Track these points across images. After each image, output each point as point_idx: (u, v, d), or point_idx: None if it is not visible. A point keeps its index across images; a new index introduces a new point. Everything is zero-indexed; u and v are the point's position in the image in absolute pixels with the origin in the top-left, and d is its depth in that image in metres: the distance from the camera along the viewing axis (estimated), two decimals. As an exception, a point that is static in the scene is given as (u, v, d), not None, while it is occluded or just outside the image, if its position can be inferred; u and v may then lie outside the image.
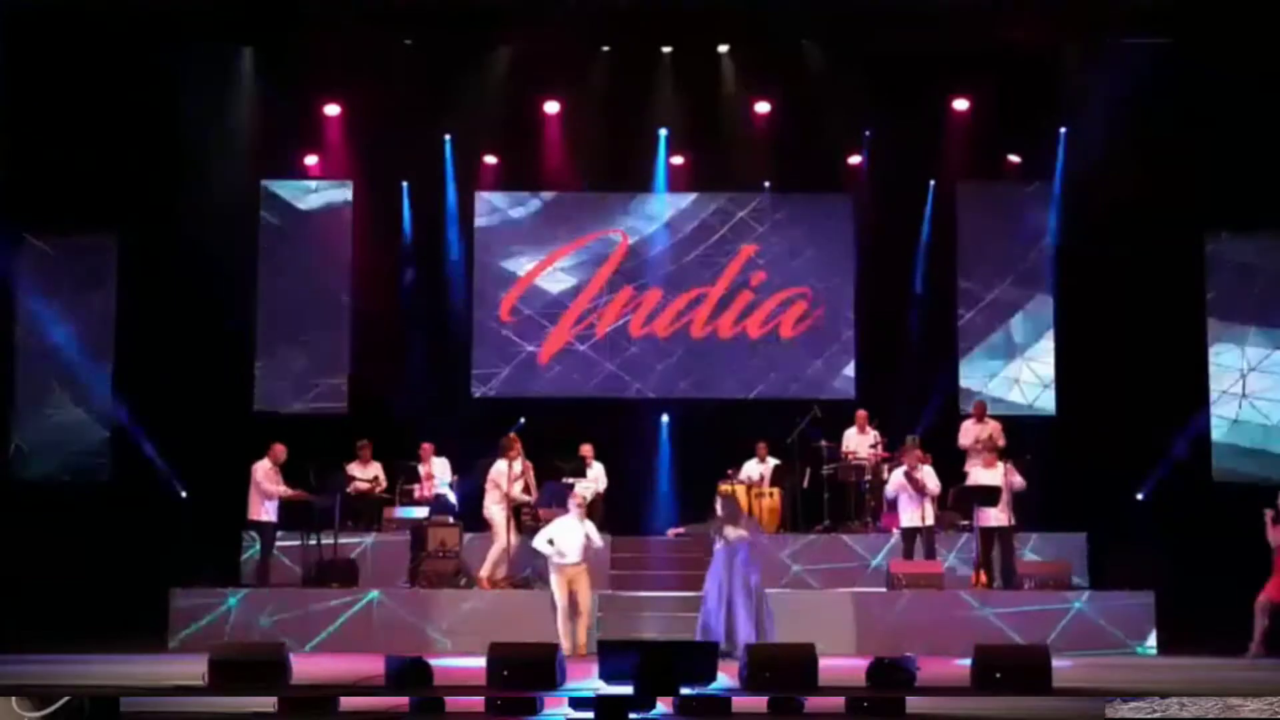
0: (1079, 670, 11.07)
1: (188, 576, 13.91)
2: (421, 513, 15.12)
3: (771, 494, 15.81)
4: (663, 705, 9.23)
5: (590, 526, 13.26)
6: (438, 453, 15.88)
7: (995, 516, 13.86)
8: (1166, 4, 15.15)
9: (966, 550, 14.50)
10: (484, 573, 14.12)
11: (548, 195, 18.21)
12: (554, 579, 13.05)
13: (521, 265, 18.15)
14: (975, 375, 17.42)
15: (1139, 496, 15.99)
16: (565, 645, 12.33)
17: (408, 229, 17.85)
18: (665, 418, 17.73)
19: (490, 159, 17.98)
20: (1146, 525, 15.36)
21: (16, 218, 16.06)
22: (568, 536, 13.05)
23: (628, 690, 9.20)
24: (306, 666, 11.34)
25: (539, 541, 13.18)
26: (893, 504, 14.80)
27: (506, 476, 14.21)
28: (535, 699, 9.31)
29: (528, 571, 14.11)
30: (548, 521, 13.73)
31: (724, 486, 14.88)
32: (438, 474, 15.70)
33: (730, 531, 12.62)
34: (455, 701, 9.47)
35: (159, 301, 16.38)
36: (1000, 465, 14.14)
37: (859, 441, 16.03)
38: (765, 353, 17.94)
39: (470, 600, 13.78)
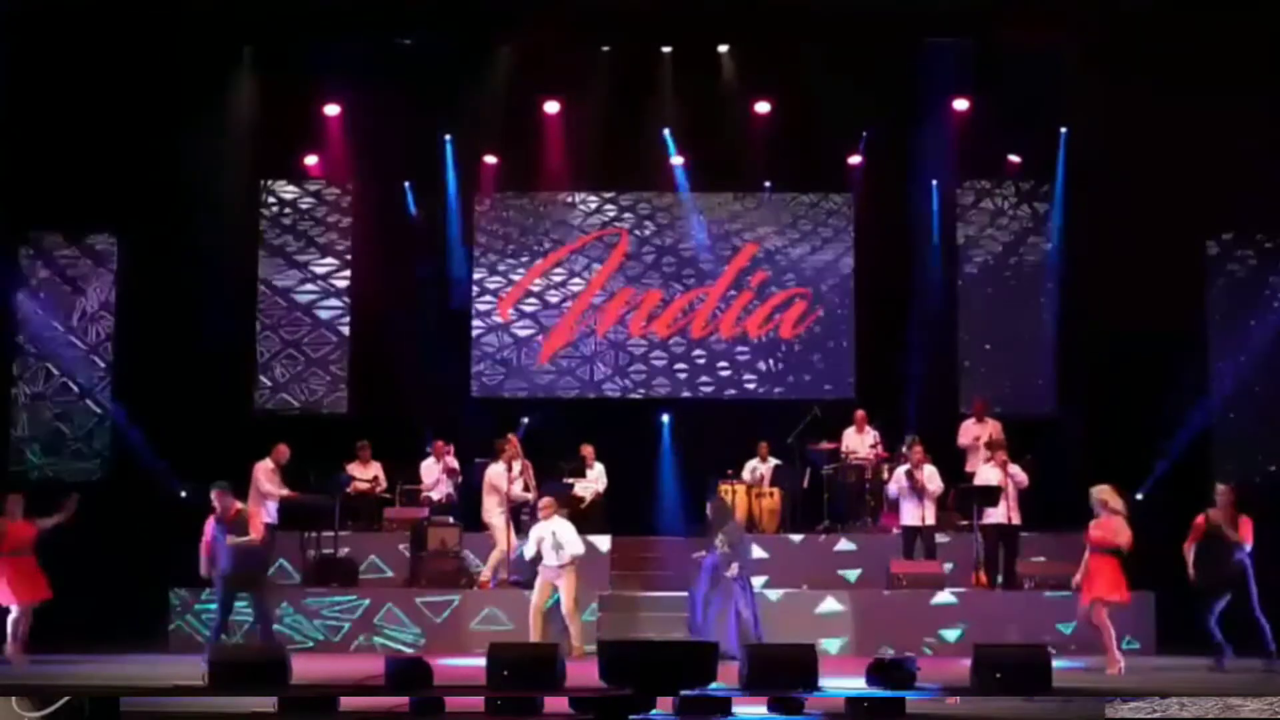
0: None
1: (188, 576, 13.91)
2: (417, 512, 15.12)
3: (772, 494, 15.80)
4: (663, 705, 9.23)
5: (559, 527, 13.23)
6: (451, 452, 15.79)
7: (1002, 515, 13.84)
8: (1165, 4, 15.14)
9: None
10: (485, 577, 14.15)
11: (548, 195, 18.21)
12: (539, 578, 13.10)
13: (522, 265, 18.16)
14: (975, 375, 17.42)
15: (1138, 496, 15.95)
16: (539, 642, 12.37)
17: (408, 229, 17.83)
18: (665, 418, 17.72)
19: (490, 159, 17.97)
20: (1146, 525, 15.33)
21: (17, 217, 16.06)
22: (553, 537, 13.10)
23: (628, 690, 9.21)
24: (306, 666, 11.35)
25: (528, 551, 13.22)
26: (894, 503, 14.82)
27: (504, 478, 14.25)
28: (535, 699, 9.31)
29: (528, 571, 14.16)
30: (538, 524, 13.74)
31: (722, 486, 14.89)
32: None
33: (721, 542, 12.76)
34: (455, 701, 9.47)
35: (159, 301, 16.37)
36: (1003, 464, 14.13)
37: (858, 441, 16.02)
38: (765, 353, 17.95)
39: (470, 600, 13.79)
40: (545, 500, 13.48)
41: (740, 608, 12.70)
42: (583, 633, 12.98)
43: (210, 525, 12.07)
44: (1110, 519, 11.76)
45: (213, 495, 12.04)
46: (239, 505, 12.13)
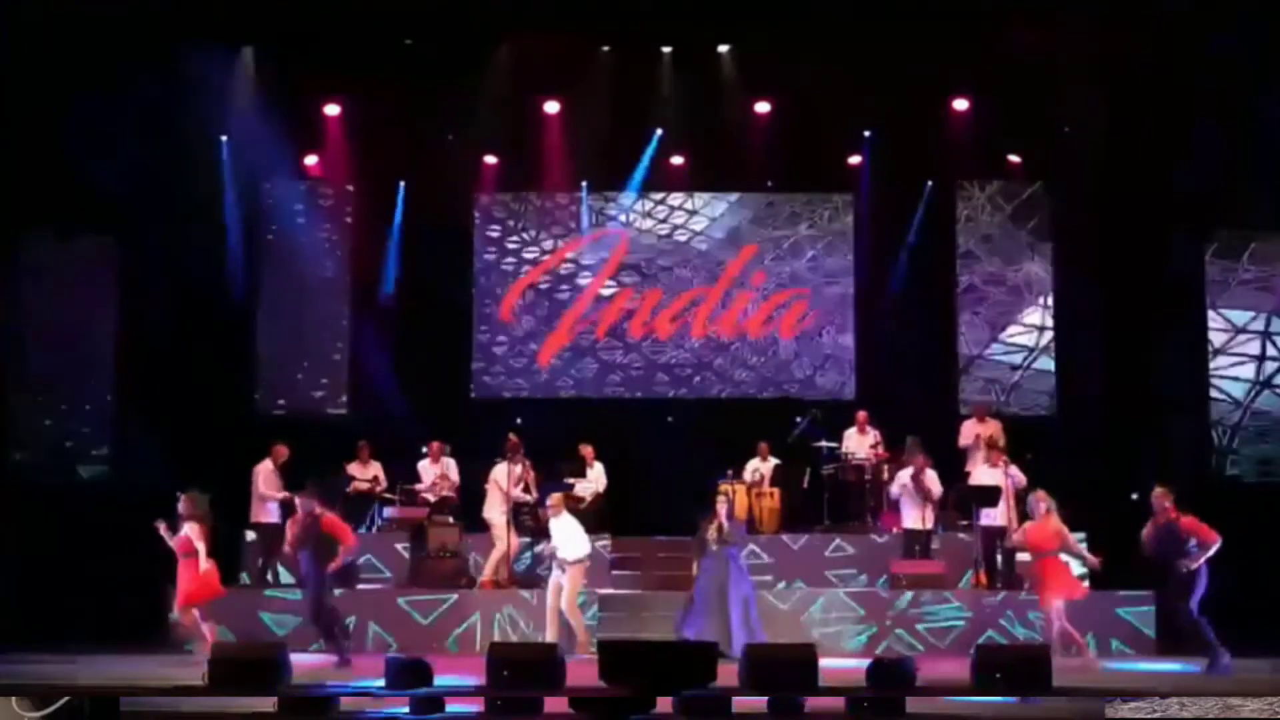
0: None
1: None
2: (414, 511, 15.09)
3: (772, 494, 15.81)
4: (663, 705, 9.23)
5: (561, 526, 13.21)
6: (448, 453, 15.77)
7: (1001, 516, 13.85)
8: (1164, 3, 15.15)
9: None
10: (486, 576, 14.16)
11: (548, 195, 18.21)
12: (562, 579, 13.01)
13: (521, 265, 18.16)
14: (975, 375, 17.43)
15: (1134, 496, 15.96)
16: (559, 644, 12.36)
17: (407, 229, 17.84)
18: (666, 418, 17.72)
19: (490, 159, 17.97)
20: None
21: (18, 218, 16.06)
22: (563, 536, 13.07)
23: (628, 690, 9.21)
24: (307, 666, 11.37)
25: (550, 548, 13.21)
26: (894, 503, 14.82)
27: (506, 478, 14.25)
28: (535, 699, 9.31)
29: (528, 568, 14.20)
30: (548, 522, 13.74)
31: (722, 486, 14.89)
32: (451, 475, 15.64)
33: (720, 535, 12.71)
34: (455, 701, 9.48)
35: (160, 301, 16.38)
36: (1002, 464, 14.14)
37: (859, 442, 16.02)
38: (765, 353, 17.95)
39: (470, 600, 13.79)
40: (554, 497, 13.43)
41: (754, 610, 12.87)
42: (585, 628, 12.98)
43: (296, 535, 12.30)
44: (1050, 521, 12.22)
45: (298, 502, 12.38)
46: (320, 511, 12.23)
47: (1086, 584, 12.96)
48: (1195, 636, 11.68)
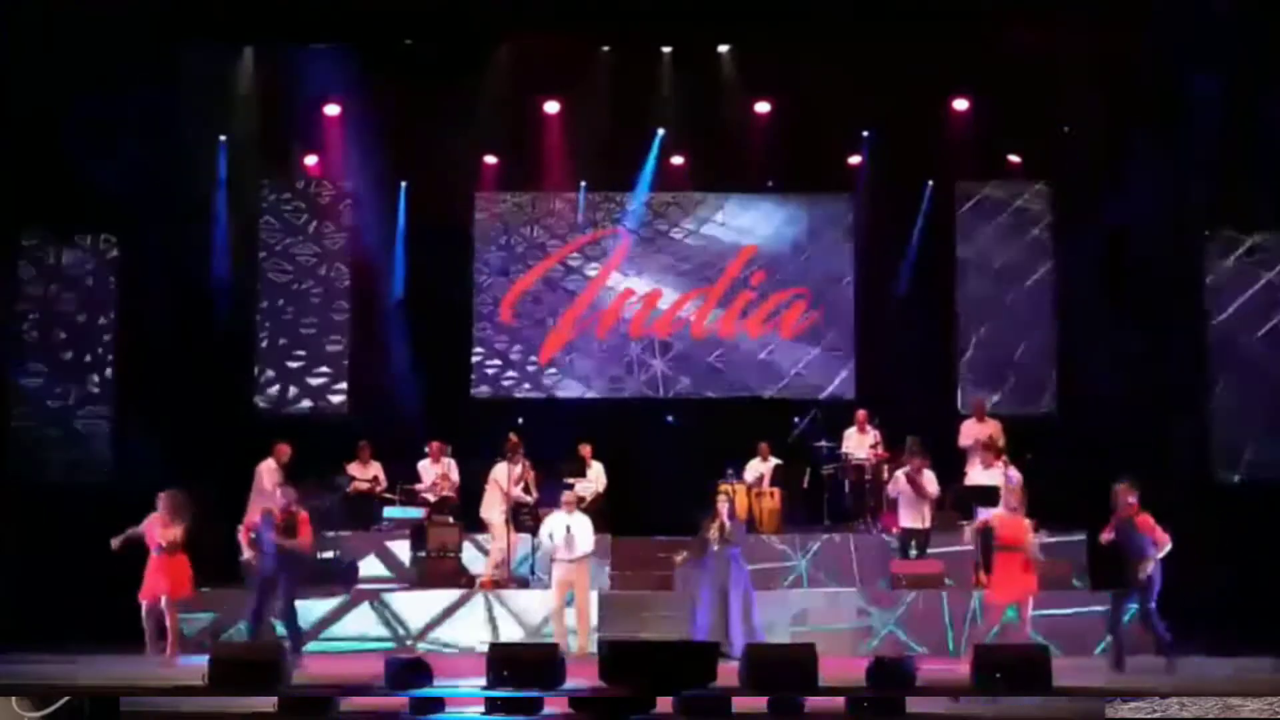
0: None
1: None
2: (416, 512, 15.09)
3: (772, 494, 15.81)
4: (663, 705, 9.24)
5: (576, 521, 13.25)
6: (449, 453, 15.73)
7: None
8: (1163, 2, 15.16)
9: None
10: (485, 575, 14.16)
11: (548, 195, 18.22)
12: (555, 576, 13.07)
13: (522, 265, 18.17)
14: (975, 375, 17.42)
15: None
16: (561, 644, 12.37)
17: (407, 229, 17.84)
18: (666, 418, 17.73)
19: (490, 159, 17.97)
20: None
21: (18, 218, 16.06)
22: (568, 531, 13.07)
23: (627, 690, 9.22)
24: (307, 666, 11.37)
25: (544, 537, 13.20)
26: (894, 503, 14.83)
27: (506, 478, 14.26)
28: (535, 699, 9.32)
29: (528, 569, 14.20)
30: (548, 519, 13.76)
31: (722, 486, 14.91)
32: (452, 475, 15.62)
33: (722, 534, 12.68)
34: (455, 701, 9.49)
35: (159, 301, 16.37)
36: (999, 465, 14.14)
37: (859, 441, 16.02)
38: (765, 353, 17.95)
39: (470, 600, 13.79)
40: (568, 494, 13.55)
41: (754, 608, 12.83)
42: (589, 632, 12.99)
43: (260, 516, 12.25)
44: (1018, 517, 12.16)
45: (279, 492, 12.36)
46: (296, 507, 12.19)
47: None
48: (1157, 637, 11.73)
